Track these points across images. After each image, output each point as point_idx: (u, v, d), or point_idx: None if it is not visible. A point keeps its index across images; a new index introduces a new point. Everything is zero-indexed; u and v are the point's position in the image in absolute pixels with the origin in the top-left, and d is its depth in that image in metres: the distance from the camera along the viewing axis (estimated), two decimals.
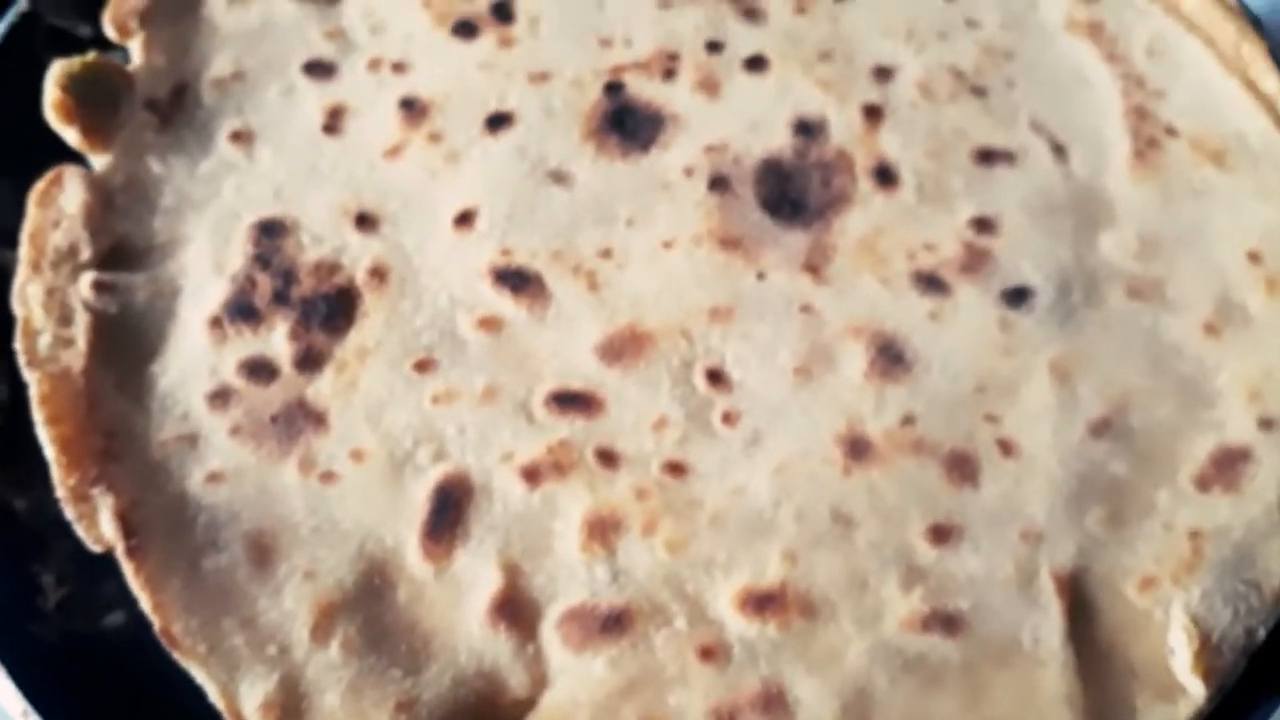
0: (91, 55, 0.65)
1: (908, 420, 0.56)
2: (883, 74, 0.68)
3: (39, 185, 0.61)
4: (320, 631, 0.50)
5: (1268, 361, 0.59)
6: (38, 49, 0.66)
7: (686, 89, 0.67)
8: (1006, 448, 0.56)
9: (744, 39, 0.69)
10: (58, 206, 0.60)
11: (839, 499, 0.54)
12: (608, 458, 0.55)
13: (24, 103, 0.63)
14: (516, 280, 0.60)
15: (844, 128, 0.66)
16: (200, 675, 0.49)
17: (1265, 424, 0.57)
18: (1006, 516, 0.54)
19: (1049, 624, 0.51)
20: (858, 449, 0.55)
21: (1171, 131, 0.66)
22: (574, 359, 0.57)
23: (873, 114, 0.66)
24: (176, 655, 0.49)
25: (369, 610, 0.51)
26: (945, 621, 0.51)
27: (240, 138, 0.64)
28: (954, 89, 0.67)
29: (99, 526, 0.51)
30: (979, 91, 0.68)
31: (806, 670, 0.50)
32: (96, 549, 0.52)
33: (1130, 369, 0.59)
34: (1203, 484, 0.55)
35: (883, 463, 0.55)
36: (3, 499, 0.56)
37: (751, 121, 0.66)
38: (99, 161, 0.63)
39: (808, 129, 0.66)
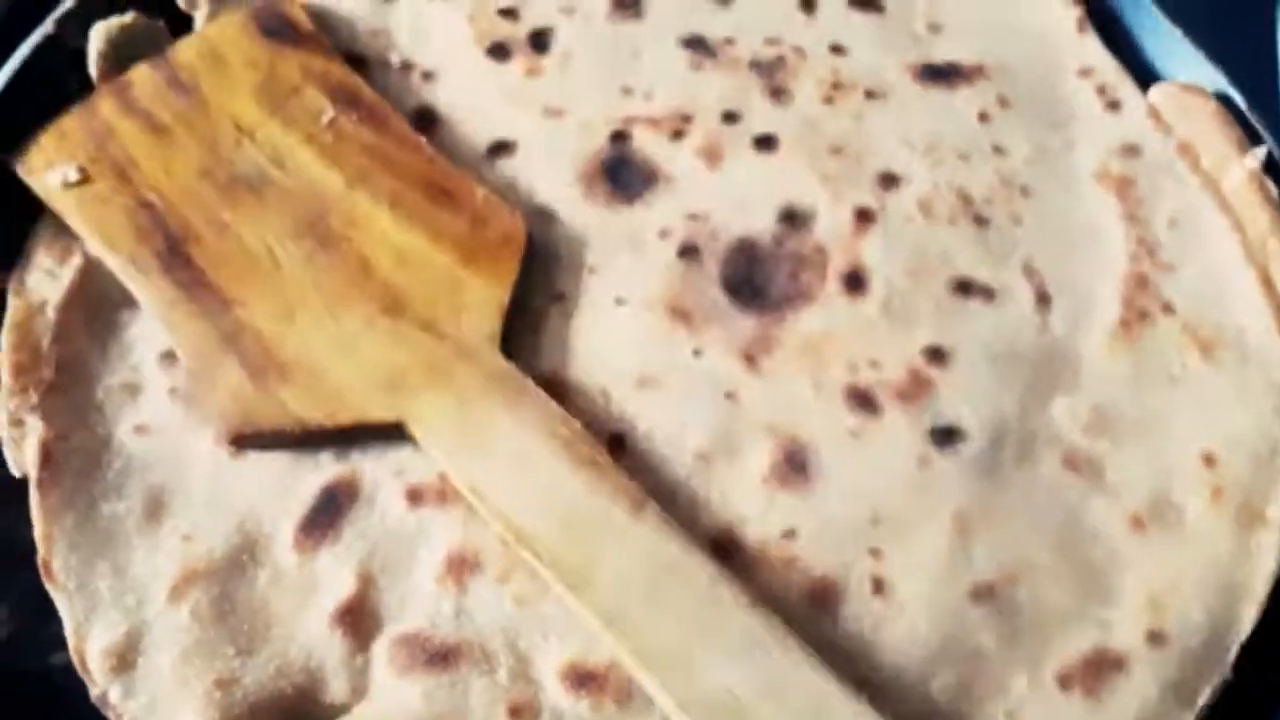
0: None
1: (789, 534, 0.56)
2: (889, 181, 0.67)
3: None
4: (178, 593, 0.53)
5: (1181, 572, 0.55)
6: (59, 72, 0.66)
7: (689, 153, 0.67)
8: (879, 586, 0.55)
9: (762, 116, 0.69)
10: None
11: None
12: None
13: (41, 124, 0.64)
14: None
15: (831, 225, 0.65)
16: (63, 609, 0.53)
17: (1154, 638, 0.54)
18: (854, 653, 0.53)
19: None
20: (726, 552, 0.55)
21: (1168, 309, 0.63)
22: None
23: (864, 218, 0.65)
24: (48, 585, 0.53)
25: (228, 583, 0.54)
26: None
27: None
28: (955, 212, 0.66)
29: (24, 453, 0.56)
30: (981, 221, 0.66)
31: None
32: (16, 473, 0.56)
33: (1037, 542, 0.56)
34: (1065, 682, 0.53)
35: (745, 571, 0.55)
36: None
37: (741, 198, 0.66)
38: None
39: (793, 218, 0.65)
